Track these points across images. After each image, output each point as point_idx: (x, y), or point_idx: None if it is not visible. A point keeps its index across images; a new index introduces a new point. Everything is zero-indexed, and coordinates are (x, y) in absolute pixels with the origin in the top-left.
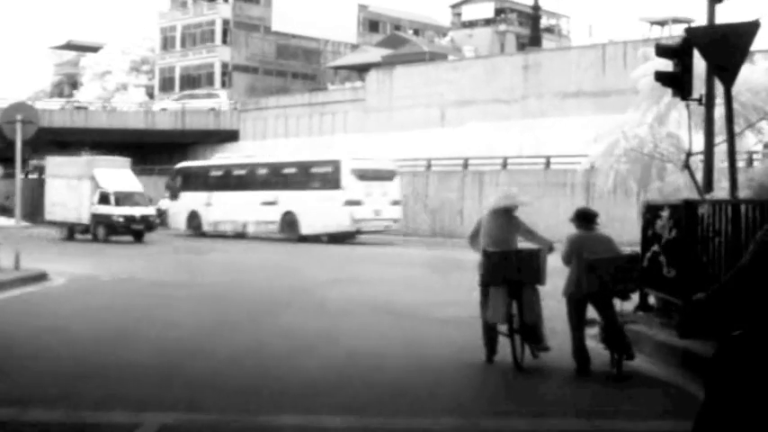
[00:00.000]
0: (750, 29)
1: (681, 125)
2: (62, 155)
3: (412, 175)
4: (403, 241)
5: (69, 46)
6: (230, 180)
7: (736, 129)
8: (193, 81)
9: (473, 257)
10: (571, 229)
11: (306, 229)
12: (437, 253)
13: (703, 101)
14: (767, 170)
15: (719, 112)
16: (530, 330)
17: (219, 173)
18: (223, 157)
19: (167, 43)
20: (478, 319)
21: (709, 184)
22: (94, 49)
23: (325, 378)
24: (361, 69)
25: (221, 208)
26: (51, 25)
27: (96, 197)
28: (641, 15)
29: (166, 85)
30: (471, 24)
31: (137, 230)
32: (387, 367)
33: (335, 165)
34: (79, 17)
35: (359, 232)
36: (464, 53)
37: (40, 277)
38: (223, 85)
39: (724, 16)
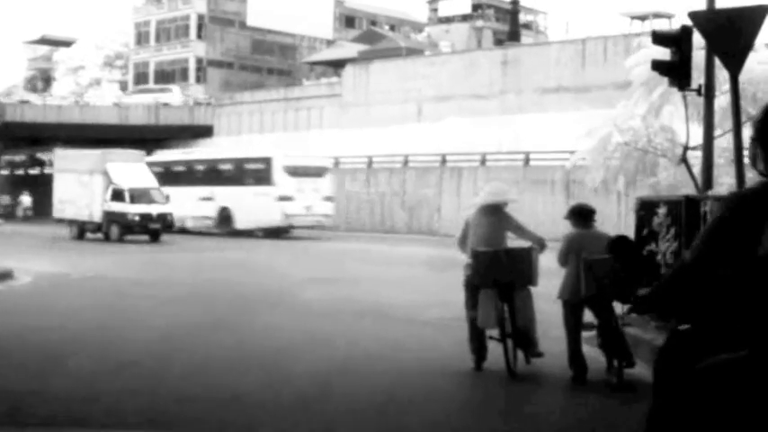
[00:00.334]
0: (758, 13)
1: (675, 117)
2: (34, 151)
3: (389, 172)
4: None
5: (43, 40)
6: (170, 176)
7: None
8: (168, 76)
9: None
10: (565, 229)
11: (240, 224)
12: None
13: (702, 91)
14: None
15: (717, 103)
16: (522, 335)
17: (160, 169)
18: (163, 153)
19: (141, 38)
20: (463, 322)
21: (708, 179)
22: (68, 44)
23: (302, 392)
24: (337, 65)
25: None
26: (25, 19)
27: (109, 194)
28: (621, 10)
29: (140, 81)
30: (448, 20)
31: (153, 230)
32: (368, 379)
33: (268, 161)
34: (53, 11)
35: (291, 227)
36: (441, 49)
37: (4, 276)
38: (198, 80)
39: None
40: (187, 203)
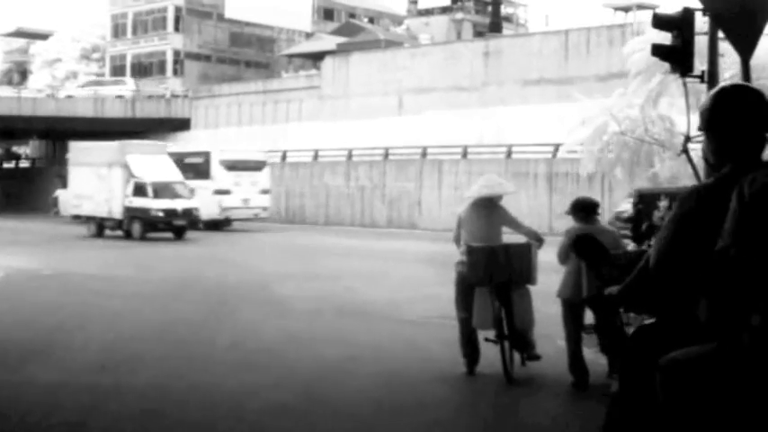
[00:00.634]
0: None
1: (673, 107)
2: (9, 144)
3: (368, 165)
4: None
5: (19, 33)
6: None
7: None
8: (145, 69)
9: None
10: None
11: None
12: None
13: (705, 78)
14: None
15: None
16: (519, 337)
17: None
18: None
19: (118, 30)
20: (449, 321)
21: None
22: (44, 37)
23: (281, 400)
24: (316, 57)
25: None
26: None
27: (130, 188)
28: (604, 2)
29: (117, 74)
30: (427, 12)
31: (178, 226)
32: (351, 385)
33: (206, 156)
34: (29, 3)
35: (228, 219)
36: (420, 41)
37: None
38: (175, 73)
39: None
40: None
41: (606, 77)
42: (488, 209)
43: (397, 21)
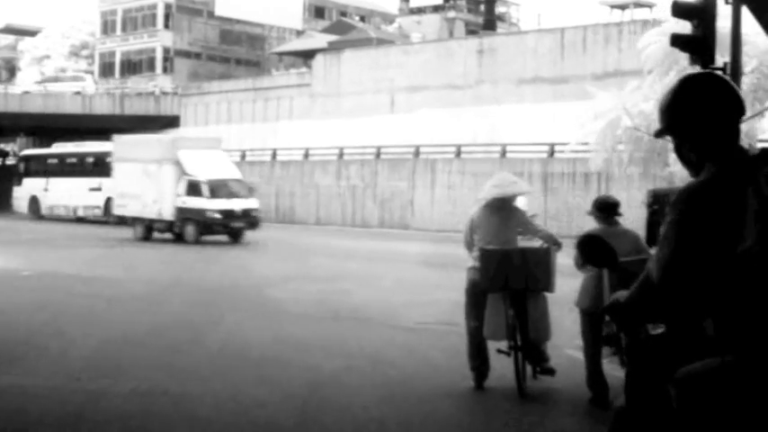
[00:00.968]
0: None
1: None
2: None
3: (360, 164)
4: None
5: (7, 29)
6: (64, 167)
7: (758, 105)
8: (134, 66)
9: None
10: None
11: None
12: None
13: (728, 70)
14: None
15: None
16: (533, 348)
17: (55, 160)
18: (60, 145)
19: (108, 27)
20: (451, 327)
21: None
22: (33, 33)
23: (272, 417)
24: (307, 56)
25: (56, 193)
26: None
27: (183, 187)
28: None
29: (106, 71)
30: (419, 11)
31: (235, 229)
32: (350, 401)
33: None
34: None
35: None
36: (412, 40)
37: None
38: (165, 70)
39: None
40: (78, 193)
41: (603, 76)
42: (502, 210)
43: (389, 19)
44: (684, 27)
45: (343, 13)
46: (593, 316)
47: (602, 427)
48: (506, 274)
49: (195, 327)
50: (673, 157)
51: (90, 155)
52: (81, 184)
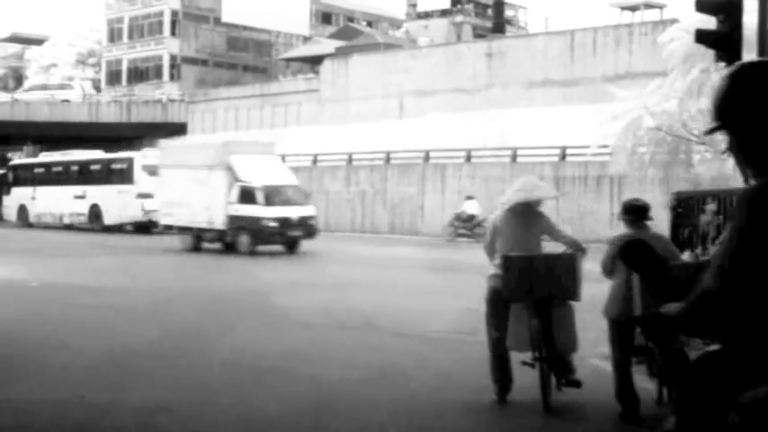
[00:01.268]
0: None
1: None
2: (3, 150)
3: (369, 169)
4: None
5: (14, 38)
6: (51, 176)
7: None
8: (141, 74)
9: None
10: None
11: (108, 219)
12: None
13: None
14: None
15: None
16: (559, 359)
17: (42, 169)
18: (46, 154)
19: (114, 35)
20: (466, 336)
21: None
22: (40, 42)
23: None
24: (314, 61)
25: (43, 201)
26: None
27: (235, 194)
28: (610, 1)
29: (113, 79)
30: (427, 15)
31: (292, 238)
32: (366, 419)
33: (129, 162)
34: (24, 8)
35: (151, 222)
36: (420, 44)
37: None
38: (172, 77)
39: None
40: (64, 201)
41: (614, 78)
42: (526, 215)
43: (396, 24)
44: (707, 22)
45: (350, 19)
46: (622, 324)
47: None
48: (530, 282)
49: (201, 338)
50: (697, 158)
51: (74, 163)
52: (66, 192)
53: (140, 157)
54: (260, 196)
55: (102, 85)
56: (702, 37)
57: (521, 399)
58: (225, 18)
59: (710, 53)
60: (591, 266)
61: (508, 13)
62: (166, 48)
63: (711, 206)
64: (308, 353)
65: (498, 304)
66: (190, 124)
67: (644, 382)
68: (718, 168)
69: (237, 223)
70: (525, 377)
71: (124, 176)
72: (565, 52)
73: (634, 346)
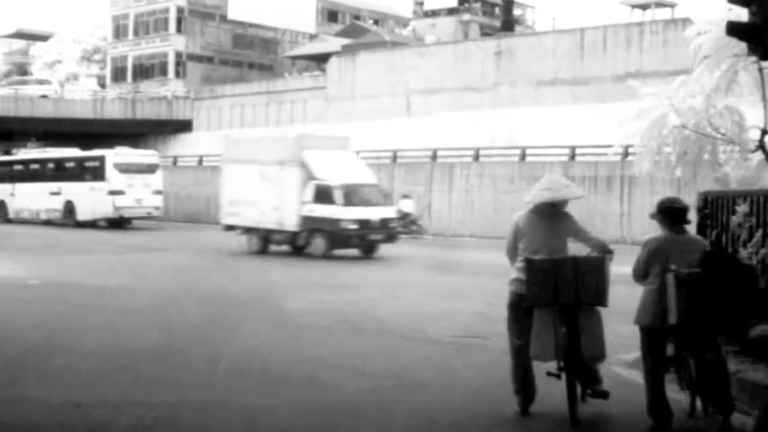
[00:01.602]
0: None
1: (741, 97)
2: (7, 146)
3: (376, 168)
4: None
5: (19, 35)
6: (28, 172)
7: None
8: (146, 71)
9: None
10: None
11: (81, 215)
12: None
13: None
14: None
15: None
16: (586, 368)
17: (20, 167)
18: (25, 151)
19: (120, 32)
20: (481, 341)
21: None
22: (45, 38)
23: None
24: (320, 59)
25: (22, 198)
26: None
27: (310, 192)
28: None
29: (118, 75)
30: (434, 14)
31: (372, 242)
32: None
33: (101, 159)
34: (30, 4)
35: (122, 218)
36: (426, 43)
37: None
38: (177, 74)
39: None
40: (40, 198)
41: (624, 77)
42: (551, 216)
43: (403, 22)
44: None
45: (357, 17)
46: (655, 334)
47: None
48: (556, 287)
49: (205, 342)
50: (723, 158)
51: (51, 161)
52: (43, 188)
53: (113, 156)
54: (338, 195)
55: (108, 81)
56: (733, 29)
57: (544, 410)
58: (231, 15)
59: (740, 48)
60: (615, 269)
61: (516, 11)
62: (172, 45)
63: (743, 207)
64: (319, 359)
65: (520, 310)
66: (195, 121)
67: (673, 393)
68: (748, 168)
69: (312, 225)
70: (548, 386)
71: (97, 174)
72: (574, 51)
73: (668, 357)
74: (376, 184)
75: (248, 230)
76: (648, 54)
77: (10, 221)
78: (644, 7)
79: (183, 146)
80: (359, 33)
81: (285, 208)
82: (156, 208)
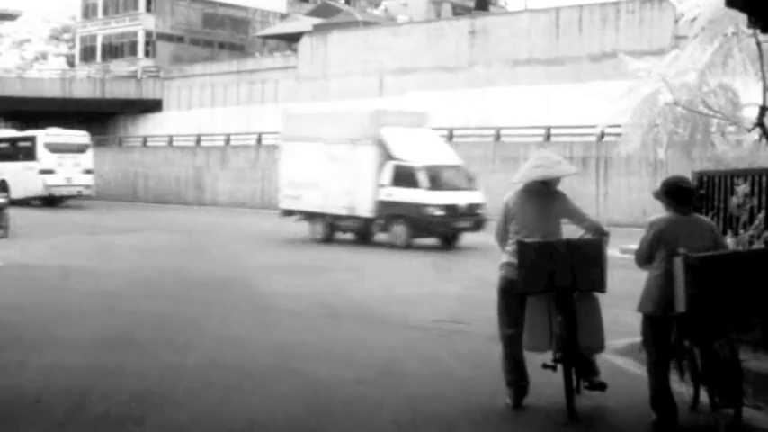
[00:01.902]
0: None
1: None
2: None
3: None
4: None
5: None
6: None
7: None
8: (116, 50)
9: None
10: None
11: (15, 194)
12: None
13: None
14: None
15: None
16: (583, 359)
17: None
18: None
19: (89, 11)
20: (466, 327)
21: None
22: (13, 17)
23: None
24: (291, 39)
25: None
26: None
27: (388, 175)
28: None
29: (87, 55)
30: None
31: (458, 230)
32: (367, 425)
33: (33, 140)
34: None
35: (51, 196)
36: (399, 22)
37: None
38: (147, 54)
39: None
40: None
41: (600, 57)
42: (544, 195)
43: (375, 2)
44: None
45: None
46: (660, 322)
47: None
48: (550, 271)
49: (175, 328)
50: (717, 137)
51: (4, 140)
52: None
53: (43, 136)
54: (422, 178)
55: (77, 61)
56: (735, 0)
57: (538, 403)
58: None
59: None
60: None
61: None
62: (141, 24)
63: (743, 187)
64: (298, 347)
65: (511, 297)
66: (165, 101)
67: (673, 384)
68: (742, 148)
69: (392, 210)
70: (541, 377)
71: (28, 154)
72: (549, 30)
73: (672, 345)
74: (461, 166)
75: (311, 216)
76: (624, 33)
77: None
78: None
79: (152, 126)
80: (330, 13)
81: (358, 192)
82: (87, 186)
